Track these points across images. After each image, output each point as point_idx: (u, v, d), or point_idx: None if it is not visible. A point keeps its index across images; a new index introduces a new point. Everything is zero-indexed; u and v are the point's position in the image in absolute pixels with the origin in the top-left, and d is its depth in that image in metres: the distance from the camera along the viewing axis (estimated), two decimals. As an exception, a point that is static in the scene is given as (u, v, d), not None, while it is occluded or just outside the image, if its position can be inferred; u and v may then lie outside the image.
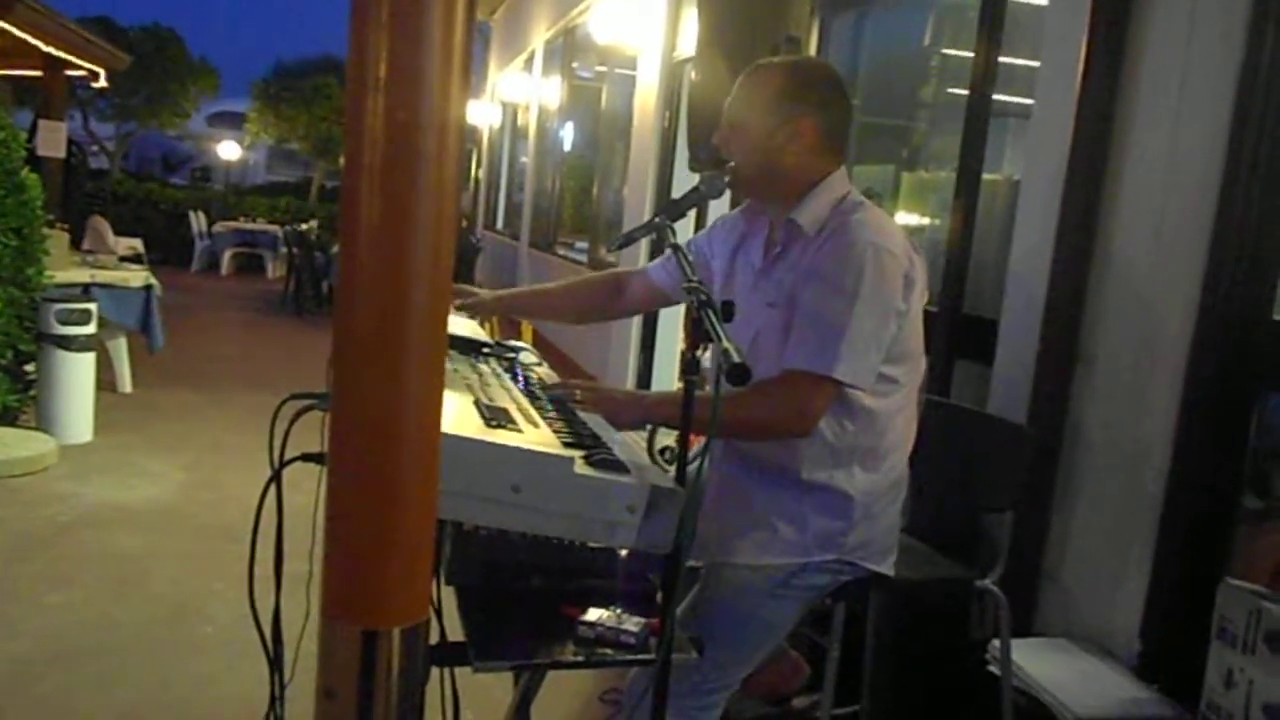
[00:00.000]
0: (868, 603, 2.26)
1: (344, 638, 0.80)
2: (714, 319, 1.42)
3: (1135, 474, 2.32)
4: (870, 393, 1.78)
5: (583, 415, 1.69)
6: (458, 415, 1.39)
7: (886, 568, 1.90)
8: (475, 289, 2.27)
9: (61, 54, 7.49)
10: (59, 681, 2.68)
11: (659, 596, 1.51)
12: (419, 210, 0.73)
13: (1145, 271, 2.35)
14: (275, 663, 1.46)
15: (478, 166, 14.50)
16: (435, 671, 1.46)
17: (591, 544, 1.38)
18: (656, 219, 1.78)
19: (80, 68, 8.07)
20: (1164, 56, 2.33)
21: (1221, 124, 2.16)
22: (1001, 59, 3.01)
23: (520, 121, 12.14)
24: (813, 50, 4.03)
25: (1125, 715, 2.10)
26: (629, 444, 1.59)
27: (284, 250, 12.96)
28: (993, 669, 2.25)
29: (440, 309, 0.77)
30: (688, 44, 5.25)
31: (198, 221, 14.61)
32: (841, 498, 1.82)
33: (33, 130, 7.95)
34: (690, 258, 1.62)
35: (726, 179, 1.85)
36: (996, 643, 2.23)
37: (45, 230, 5.02)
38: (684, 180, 5.44)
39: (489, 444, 1.30)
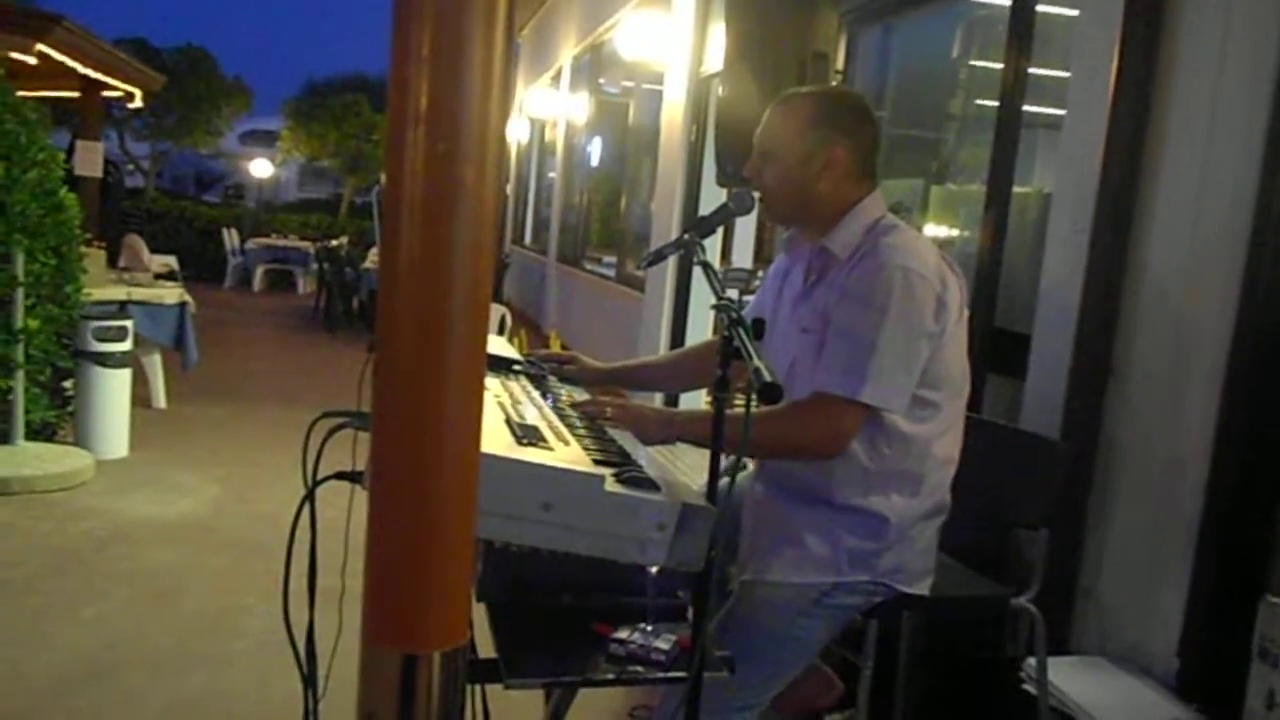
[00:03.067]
0: (901, 621, 2.24)
1: (385, 661, 0.81)
2: (745, 337, 1.42)
3: (1171, 489, 2.28)
4: (907, 417, 1.77)
5: (613, 433, 1.70)
6: (489, 433, 1.39)
7: (921, 589, 1.89)
8: (580, 355, 2.25)
9: (98, 75, 7.63)
10: (93, 696, 2.71)
11: (690, 614, 1.51)
12: (458, 239, 0.74)
13: (1180, 284, 2.32)
14: (309, 679, 1.47)
15: (506, 182, 14.60)
16: (466, 688, 1.46)
17: (622, 561, 1.38)
18: (686, 236, 1.80)
19: (116, 88, 8.21)
20: (1198, 66, 2.31)
21: (1257, 133, 2.14)
22: (1031, 70, 3.00)
23: (548, 137, 12.21)
24: (840, 64, 4.02)
25: (1164, 736, 2.07)
26: (660, 461, 1.59)
27: (315, 266, 13.09)
28: (1028, 688, 2.22)
29: (479, 335, 0.78)
30: (715, 59, 5.27)
31: (230, 238, 14.81)
32: (877, 520, 1.81)
33: (70, 150, 8.09)
34: (721, 277, 1.63)
35: (756, 196, 1.86)
36: (1032, 661, 2.20)
37: (83, 249, 5.10)
38: (712, 195, 5.44)
39: (520, 462, 1.31)
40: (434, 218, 0.73)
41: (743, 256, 5.73)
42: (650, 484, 1.38)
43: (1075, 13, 2.73)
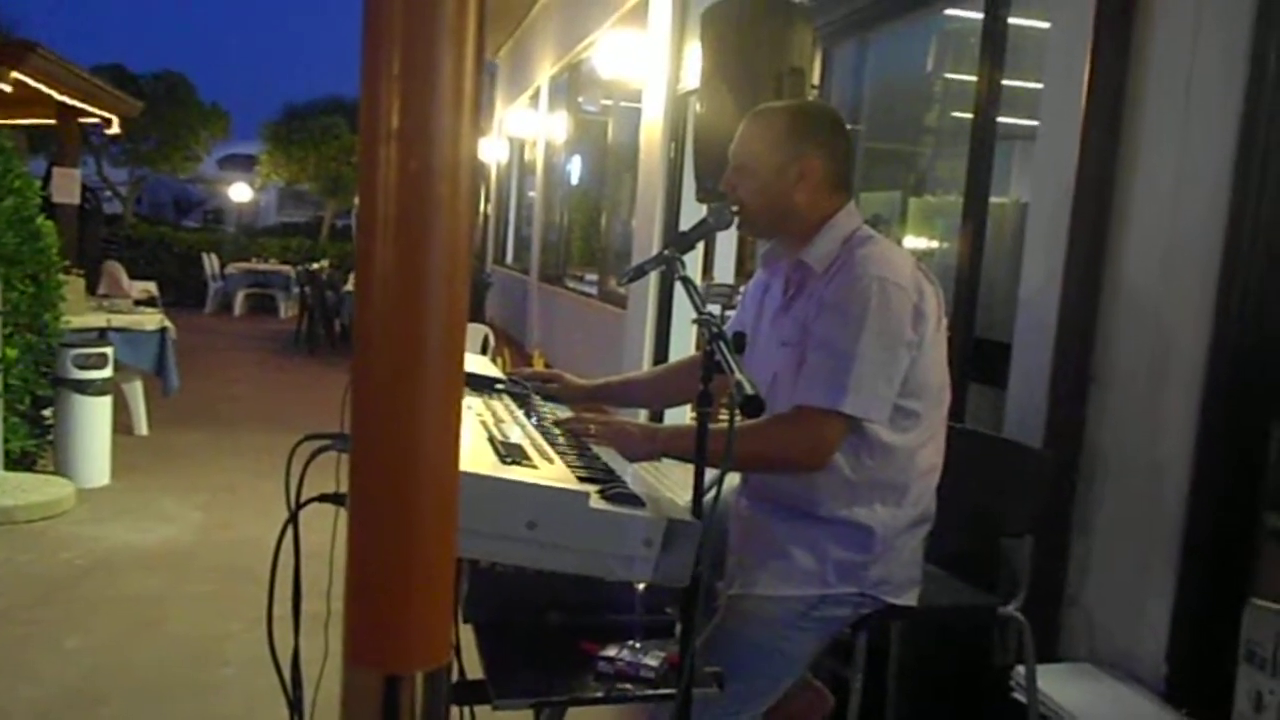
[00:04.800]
0: (889, 632, 2.24)
1: (366, 682, 0.80)
2: (726, 350, 1.43)
3: (1155, 495, 2.30)
4: (889, 427, 1.78)
5: (596, 449, 1.69)
6: (472, 452, 1.39)
7: (909, 600, 1.89)
8: (563, 373, 2.25)
9: (74, 102, 7.60)
10: (78, 727, 2.67)
11: (677, 630, 1.50)
12: (433, 256, 0.74)
13: (1157, 290, 2.35)
14: (295, 704, 1.46)
15: (486, 202, 14.61)
16: (455, 710, 1.45)
17: (608, 579, 1.38)
18: (666, 251, 1.80)
19: (93, 115, 8.18)
20: (1168, 74, 2.34)
21: (1229, 140, 2.17)
22: (1005, 82, 3.03)
23: (527, 156, 12.24)
24: (815, 79, 4.05)
25: (1154, 741, 2.07)
26: (645, 478, 1.59)
27: (296, 290, 13.05)
28: (1018, 696, 2.22)
29: (456, 351, 0.78)
30: (692, 76, 5.29)
31: (210, 264, 14.75)
32: (862, 531, 1.81)
33: (47, 178, 8.05)
34: (701, 292, 1.64)
35: (735, 210, 1.87)
36: (1021, 669, 2.20)
37: (61, 276, 5.07)
38: (692, 211, 5.46)
39: (504, 481, 1.30)
40: (408, 235, 0.73)
41: (725, 272, 5.75)
42: (635, 500, 1.38)
43: (1047, 25, 2.77)
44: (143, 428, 6.05)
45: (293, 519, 1.42)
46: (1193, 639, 2.20)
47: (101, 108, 8.09)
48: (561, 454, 1.57)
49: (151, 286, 11.71)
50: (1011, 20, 3.03)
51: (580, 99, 9.67)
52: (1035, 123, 2.73)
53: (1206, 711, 2.10)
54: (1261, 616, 1.87)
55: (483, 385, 1.99)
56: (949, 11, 4.22)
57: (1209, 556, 2.19)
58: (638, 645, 1.47)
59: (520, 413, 1.86)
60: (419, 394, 0.75)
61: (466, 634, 1.52)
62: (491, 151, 13.51)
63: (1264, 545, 2.22)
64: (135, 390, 6.00)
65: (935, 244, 3.88)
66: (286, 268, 14.84)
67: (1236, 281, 2.15)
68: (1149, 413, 2.34)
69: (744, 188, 1.88)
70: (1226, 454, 2.18)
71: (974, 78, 3.10)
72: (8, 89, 6.35)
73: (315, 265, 12.69)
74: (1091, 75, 2.45)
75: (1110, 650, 2.38)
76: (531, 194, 11.64)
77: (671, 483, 3.43)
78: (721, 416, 1.46)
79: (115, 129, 8.84)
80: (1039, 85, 2.75)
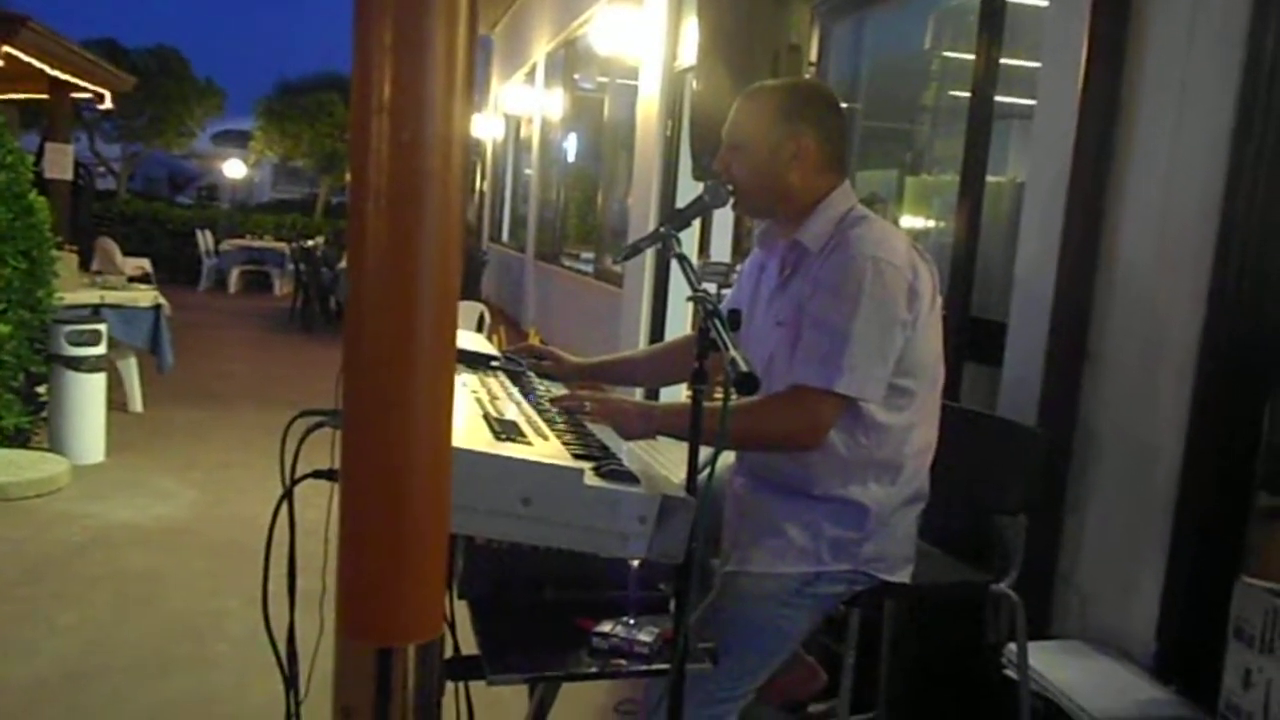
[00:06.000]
0: (883, 609, 2.25)
1: (359, 655, 0.81)
2: (721, 328, 1.43)
3: (1148, 473, 2.31)
4: (883, 406, 1.78)
5: (592, 427, 1.70)
6: (467, 429, 1.39)
7: (902, 577, 1.90)
8: (557, 350, 2.24)
9: (67, 77, 7.54)
10: (73, 702, 2.69)
11: (672, 606, 1.51)
12: (425, 228, 0.74)
13: (1152, 269, 2.34)
14: (290, 680, 1.47)
15: (482, 179, 14.55)
16: (450, 685, 1.46)
17: (603, 555, 1.38)
18: (661, 229, 1.80)
19: (86, 90, 8.12)
20: (1166, 55, 2.33)
21: (1225, 118, 2.16)
22: (1003, 60, 3.01)
23: (523, 133, 12.18)
24: (813, 57, 4.03)
25: (1143, 717, 2.09)
26: (640, 455, 1.59)
27: (291, 267, 13.01)
28: (1009, 673, 2.24)
29: (448, 325, 0.78)
30: (689, 53, 5.27)
31: (205, 240, 14.69)
32: (856, 508, 1.82)
33: (40, 153, 8.00)
34: (696, 269, 1.64)
35: (730, 188, 1.87)
36: (1013, 646, 2.22)
37: (54, 252, 5.05)
38: (688, 189, 5.45)
39: (498, 457, 1.31)
40: (400, 207, 0.73)
41: (721, 250, 5.73)
42: (630, 477, 1.38)
43: (1045, 2, 2.75)
44: (137, 405, 6.05)
45: (287, 495, 1.43)
46: (1183, 616, 2.22)
47: (94, 83, 8.03)
48: (557, 431, 1.57)
49: (145, 263, 11.68)
50: (1010, -2, 3.01)
51: (577, 76, 9.62)
52: (1033, 102, 2.72)
53: (1196, 688, 2.12)
54: (1251, 595, 1.88)
55: (478, 362, 1.99)
56: (947, -12, 4.19)
57: (1200, 535, 2.20)
58: (632, 621, 1.48)
59: (516, 390, 1.86)
60: (411, 365, 0.75)
61: (462, 610, 1.53)
62: (487, 128, 13.44)
63: (1255, 524, 2.23)
64: (130, 367, 5.99)
65: (932, 223, 3.87)
66: (281, 244, 14.78)
67: (1231, 260, 2.15)
68: (1143, 391, 2.34)
69: (738, 167, 1.88)
70: (1219, 433, 2.19)
71: (972, 56, 3.09)
72: (-1, 63, 6.30)
73: (310, 242, 12.65)
74: (1089, 54, 2.44)
75: (1101, 627, 2.39)
76: (528, 171, 11.59)
77: (667, 460, 3.43)
78: (717, 395, 1.46)
79: (108, 104, 8.78)
80: (1037, 64, 2.74)
